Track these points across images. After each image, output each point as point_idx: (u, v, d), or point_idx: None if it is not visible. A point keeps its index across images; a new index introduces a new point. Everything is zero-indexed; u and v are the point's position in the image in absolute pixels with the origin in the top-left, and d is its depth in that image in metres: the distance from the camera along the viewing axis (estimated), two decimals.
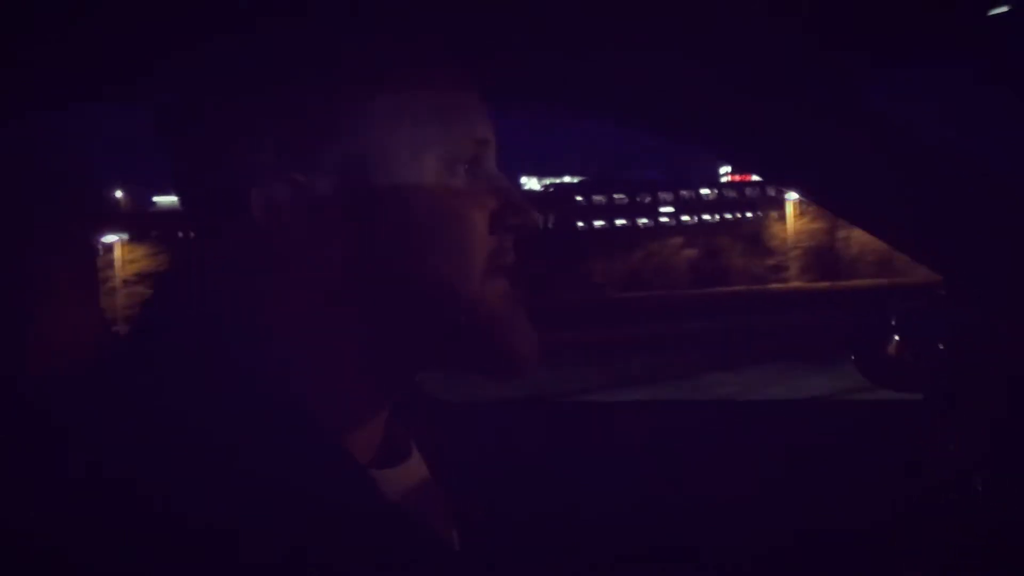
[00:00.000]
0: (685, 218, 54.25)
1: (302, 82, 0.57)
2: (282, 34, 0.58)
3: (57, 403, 0.56)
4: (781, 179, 1.12)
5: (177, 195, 0.61)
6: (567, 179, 61.85)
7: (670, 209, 54.52)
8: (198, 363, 0.55)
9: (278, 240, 0.56)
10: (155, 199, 47.60)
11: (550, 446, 1.15)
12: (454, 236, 0.58)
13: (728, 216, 53.43)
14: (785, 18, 0.83)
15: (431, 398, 0.72)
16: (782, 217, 44.69)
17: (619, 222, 52.45)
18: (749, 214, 51.12)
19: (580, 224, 50.69)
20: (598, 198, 52.98)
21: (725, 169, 56.45)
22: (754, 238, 44.96)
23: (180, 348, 0.56)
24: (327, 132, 0.56)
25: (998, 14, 0.85)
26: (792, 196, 38.65)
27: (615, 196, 53.12)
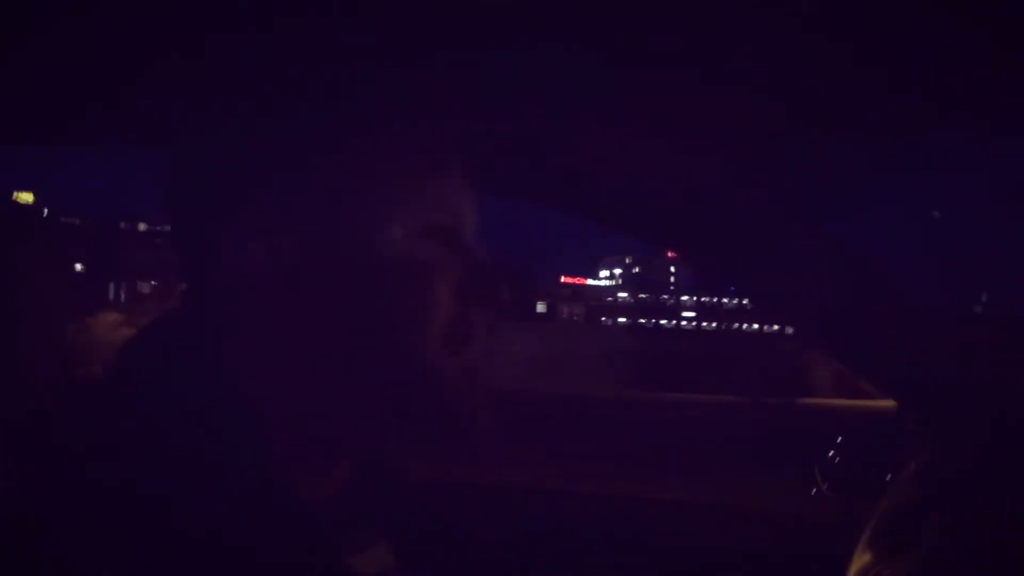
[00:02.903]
0: None
1: (274, 143, 0.59)
2: (261, 100, 0.61)
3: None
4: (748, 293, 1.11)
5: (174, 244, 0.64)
6: None
7: None
8: (165, 400, 0.56)
9: (247, 291, 0.58)
10: None
11: (506, 532, 1.18)
12: (416, 303, 0.60)
13: None
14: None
15: (395, 473, 0.72)
16: None
17: None
18: None
19: None
20: None
21: None
22: None
23: (150, 381, 0.58)
24: (297, 193, 0.58)
25: None
26: None
27: None
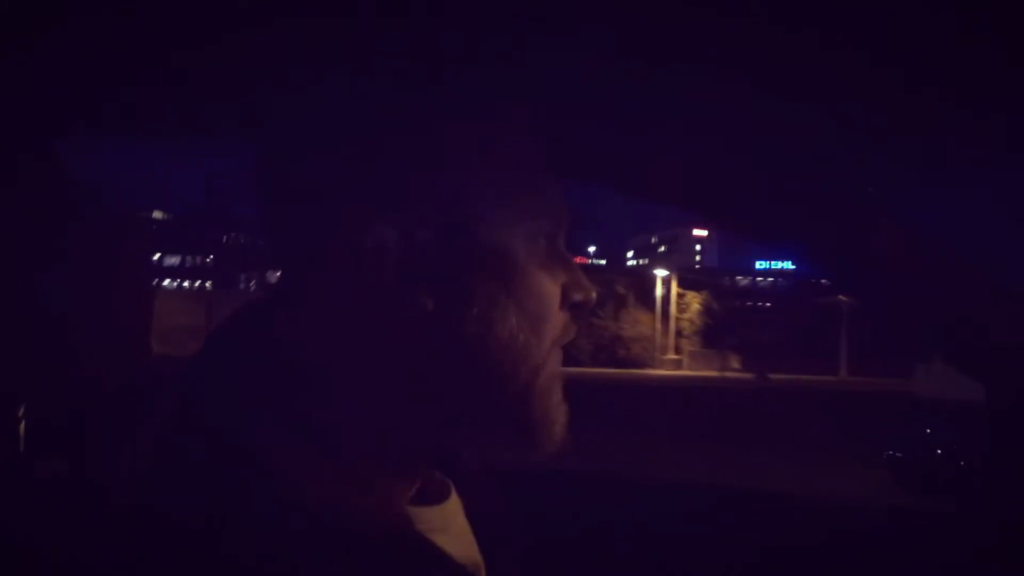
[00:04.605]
0: None
1: (416, 137, 0.59)
2: (399, 91, 0.60)
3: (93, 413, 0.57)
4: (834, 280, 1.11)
5: (269, 232, 0.62)
6: None
7: None
8: (256, 387, 0.57)
9: (377, 282, 0.58)
10: None
11: (583, 517, 1.22)
12: (536, 306, 0.61)
13: None
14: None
15: (473, 460, 0.73)
16: None
17: None
18: None
19: None
20: None
21: None
22: None
23: (240, 371, 0.58)
24: (436, 187, 0.59)
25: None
26: None
27: None
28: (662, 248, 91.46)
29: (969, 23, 0.72)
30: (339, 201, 0.59)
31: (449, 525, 0.66)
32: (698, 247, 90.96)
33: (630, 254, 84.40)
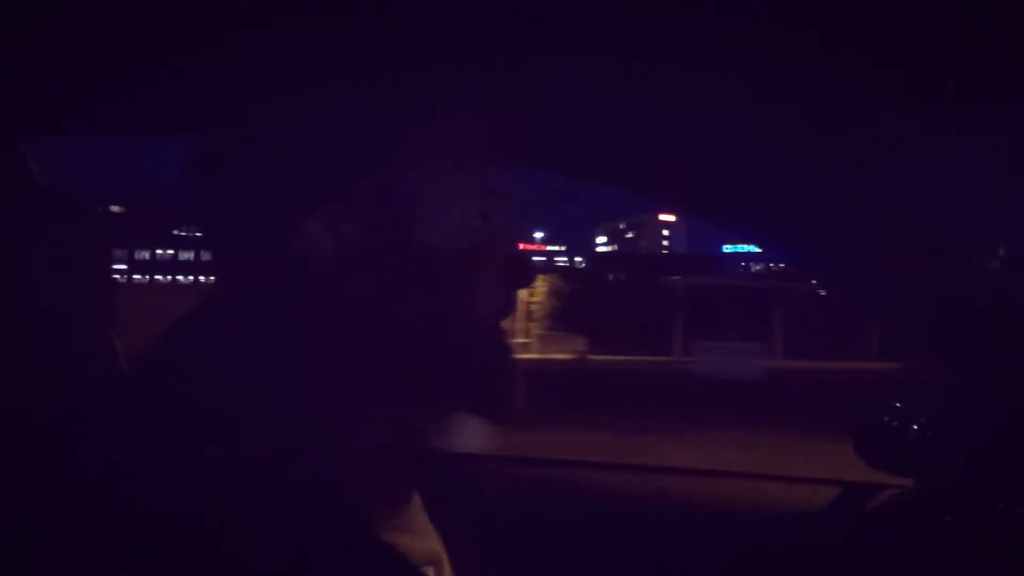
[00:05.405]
0: None
1: (339, 129, 0.59)
2: (322, 82, 0.59)
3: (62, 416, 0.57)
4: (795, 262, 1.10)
5: (203, 227, 0.62)
6: None
7: None
8: (209, 390, 0.56)
9: (309, 275, 0.58)
10: None
11: (549, 505, 1.23)
12: (470, 285, 0.61)
13: None
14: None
15: (433, 449, 0.73)
16: None
17: None
18: None
19: None
20: None
21: None
22: None
23: (192, 373, 0.58)
24: (360, 176, 0.59)
25: None
26: None
27: None
28: (630, 234, 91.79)
29: (969, 23, 0.73)
30: (271, 200, 0.59)
31: (409, 523, 0.66)
32: (665, 232, 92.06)
33: (602, 240, 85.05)
